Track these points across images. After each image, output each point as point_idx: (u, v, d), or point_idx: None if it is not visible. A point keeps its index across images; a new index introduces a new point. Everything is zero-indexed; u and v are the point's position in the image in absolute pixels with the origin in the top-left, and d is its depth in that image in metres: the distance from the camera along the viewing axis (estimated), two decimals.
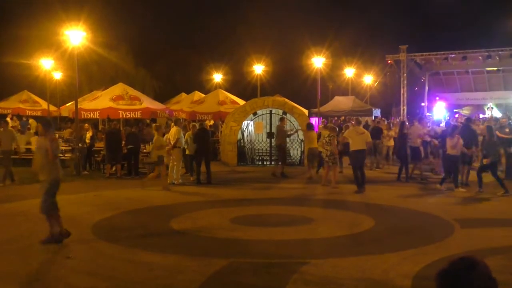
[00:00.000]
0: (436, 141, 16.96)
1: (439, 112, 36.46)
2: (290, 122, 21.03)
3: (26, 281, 6.54)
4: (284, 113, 21.30)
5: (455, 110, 38.22)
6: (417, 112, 36.29)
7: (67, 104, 31.49)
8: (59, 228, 8.39)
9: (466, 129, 15.06)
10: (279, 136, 18.18)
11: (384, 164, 19.85)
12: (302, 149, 20.98)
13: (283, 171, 17.34)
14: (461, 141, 13.72)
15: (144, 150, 18.57)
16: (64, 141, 22.61)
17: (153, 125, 17.34)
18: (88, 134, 19.17)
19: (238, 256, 7.62)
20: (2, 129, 16.22)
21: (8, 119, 28.35)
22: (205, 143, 15.90)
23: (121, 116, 21.24)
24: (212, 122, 27.41)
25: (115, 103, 21.07)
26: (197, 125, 17.07)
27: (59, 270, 6.95)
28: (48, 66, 31.63)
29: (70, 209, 11.43)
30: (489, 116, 31.19)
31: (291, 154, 21.42)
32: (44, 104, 30.92)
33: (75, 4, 35.29)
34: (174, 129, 15.98)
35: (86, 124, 20.72)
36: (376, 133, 19.59)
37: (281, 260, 7.41)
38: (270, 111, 21.44)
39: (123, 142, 17.73)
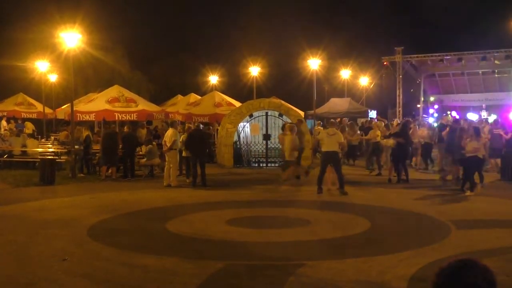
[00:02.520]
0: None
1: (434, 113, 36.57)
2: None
3: (22, 284, 6.51)
4: (280, 115, 21.33)
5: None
6: (413, 114, 36.36)
7: (63, 107, 31.41)
8: None
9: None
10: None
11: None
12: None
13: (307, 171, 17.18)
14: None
15: (140, 152, 18.50)
16: (60, 143, 22.57)
17: (287, 125, 17.12)
18: (84, 134, 19.07)
19: (234, 258, 7.62)
20: None
21: (3, 121, 28.30)
22: (199, 145, 15.81)
23: (116, 118, 21.17)
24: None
25: (111, 105, 21.02)
26: (192, 126, 17.06)
27: (55, 273, 6.92)
28: (43, 69, 31.56)
29: (66, 212, 11.42)
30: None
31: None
32: (39, 107, 30.86)
33: (70, 6, 35.22)
34: (170, 131, 15.96)
35: (84, 127, 20.66)
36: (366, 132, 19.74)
37: (277, 262, 7.41)
38: (266, 113, 21.45)
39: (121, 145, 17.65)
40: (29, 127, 28.74)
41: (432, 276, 2.08)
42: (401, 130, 16.50)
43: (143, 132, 22.29)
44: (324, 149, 13.92)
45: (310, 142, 19.56)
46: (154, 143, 18.68)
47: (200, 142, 15.82)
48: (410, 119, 22.71)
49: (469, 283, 1.99)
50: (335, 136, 13.89)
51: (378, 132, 18.85)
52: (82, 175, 18.01)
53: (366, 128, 20.78)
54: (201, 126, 18.51)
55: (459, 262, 2.06)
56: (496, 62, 33.98)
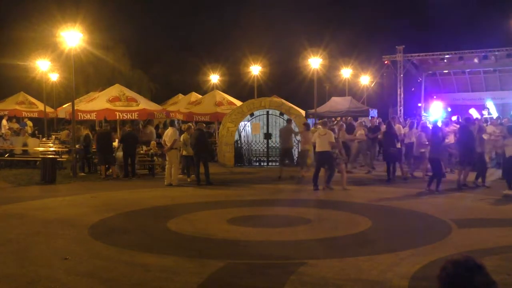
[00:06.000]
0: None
1: (435, 112, 36.50)
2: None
3: (23, 283, 6.52)
4: (281, 114, 21.32)
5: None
6: (414, 113, 36.32)
7: (64, 106, 31.47)
8: None
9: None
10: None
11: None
12: (299, 149, 21.00)
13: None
14: None
15: (141, 152, 18.49)
16: (61, 142, 22.60)
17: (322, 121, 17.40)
18: (84, 133, 19.07)
19: (235, 257, 7.62)
20: None
21: (4, 120, 28.32)
22: (201, 144, 15.84)
23: (118, 117, 21.18)
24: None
25: (112, 104, 21.02)
26: (192, 125, 17.08)
27: (56, 271, 6.93)
28: (44, 68, 31.56)
29: (67, 211, 11.44)
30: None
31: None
32: (40, 106, 30.88)
33: (71, 5, 35.27)
34: (170, 130, 15.96)
35: (83, 126, 20.68)
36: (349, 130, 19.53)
37: (278, 261, 7.41)
38: (267, 112, 21.45)
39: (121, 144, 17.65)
40: (29, 125, 28.78)
41: (442, 276, 2.05)
42: (385, 132, 16.96)
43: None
44: (317, 149, 14.44)
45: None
46: (153, 142, 18.73)
47: (202, 141, 15.88)
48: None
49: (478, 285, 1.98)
50: (326, 136, 14.14)
51: (362, 131, 19.21)
52: (83, 174, 18.04)
53: (374, 128, 20.44)
54: (204, 125, 18.59)
55: (467, 262, 2.04)
56: (497, 60, 33.93)
